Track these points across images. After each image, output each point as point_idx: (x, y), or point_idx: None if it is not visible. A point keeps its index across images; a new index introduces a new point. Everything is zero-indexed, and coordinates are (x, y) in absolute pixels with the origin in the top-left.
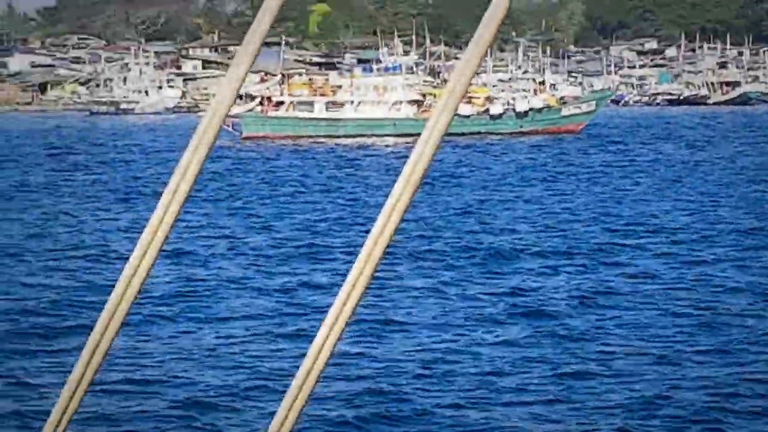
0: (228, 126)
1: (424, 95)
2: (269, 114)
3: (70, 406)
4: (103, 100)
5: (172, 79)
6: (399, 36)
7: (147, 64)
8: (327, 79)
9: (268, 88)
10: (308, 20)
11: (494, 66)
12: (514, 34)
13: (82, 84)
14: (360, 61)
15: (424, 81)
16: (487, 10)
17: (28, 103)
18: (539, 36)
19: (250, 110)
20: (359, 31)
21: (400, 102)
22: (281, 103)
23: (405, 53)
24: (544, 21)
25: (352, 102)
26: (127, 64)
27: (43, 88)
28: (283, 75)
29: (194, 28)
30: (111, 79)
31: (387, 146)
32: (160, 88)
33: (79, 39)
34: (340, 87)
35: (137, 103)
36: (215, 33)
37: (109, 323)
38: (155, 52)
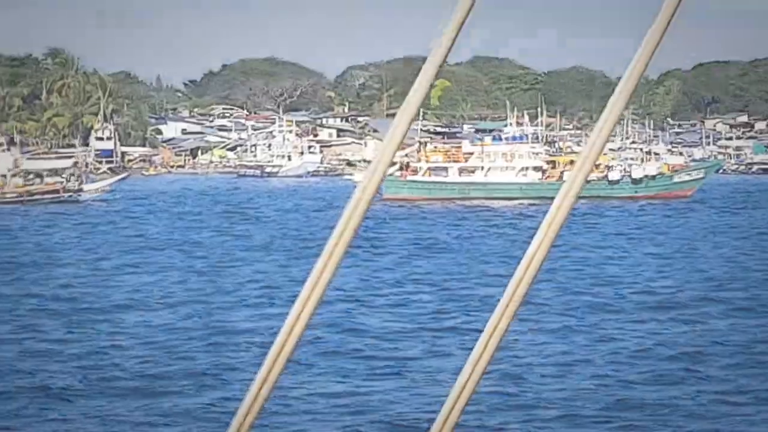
0: None
1: (547, 162)
2: (408, 178)
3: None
4: (250, 164)
5: (312, 146)
6: (512, 108)
7: (290, 131)
8: (460, 147)
9: (406, 155)
10: (430, 94)
11: None
12: None
13: (229, 149)
14: (478, 131)
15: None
16: (620, 82)
17: (181, 166)
18: (640, 109)
19: (390, 174)
20: (476, 104)
21: (526, 168)
22: (418, 168)
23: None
24: (644, 95)
25: (482, 168)
26: (272, 132)
27: (194, 152)
28: (420, 143)
29: (326, 100)
30: (256, 145)
31: (511, 207)
32: (302, 153)
33: (223, 109)
34: (471, 154)
35: (281, 166)
36: (345, 105)
37: (273, 365)
38: (295, 121)
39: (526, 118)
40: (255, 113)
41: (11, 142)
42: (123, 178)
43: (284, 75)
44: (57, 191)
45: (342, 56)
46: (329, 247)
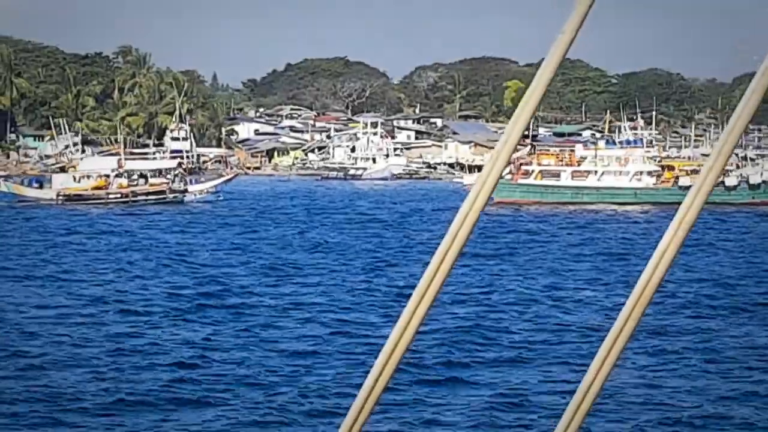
0: None
1: (662, 167)
2: (519, 181)
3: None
4: (333, 165)
5: (398, 148)
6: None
7: (374, 133)
8: (573, 151)
9: (517, 158)
10: (502, 96)
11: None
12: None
13: (304, 151)
14: (556, 134)
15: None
16: (747, 88)
17: (258, 168)
18: (717, 113)
19: (501, 177)
20: (548, 107)
21: (641, 173)
22: (530, 171)
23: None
24: (720, 99)
25: (595, 172)
26: (355, 134)
27: (270, 154)
28: (532, 146)
29: (395, 101)
30: (337, 147)
31: (626, 212)
32: (387, 156)
33: (291, 110)
34: (584, 158)
35: (364, 169)
36: (416, 106)
37: (386, 364)
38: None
39: (641, 122)
40: (323, 114)
41: (85, 142)
42: (229, 180)
43: (351, 75)
44: (163, 192)
45: (409, 56)
46: (442, 250)
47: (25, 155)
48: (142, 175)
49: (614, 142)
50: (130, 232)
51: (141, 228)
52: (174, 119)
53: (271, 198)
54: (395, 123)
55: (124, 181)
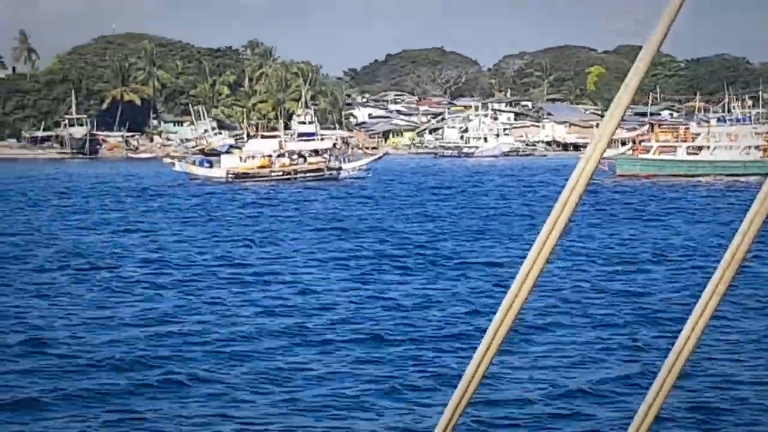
0: (603, 166)
1: None
2: (639, 156)
3: (452, 419)
4: (449, 145)
5: (507, 128)
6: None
7: (485, 115)
8: (688, 128)
9: (637, 136)
10: (585, 80)
11: None
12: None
13: (417, 132)
14: (637, 114)
15: None
16: None
17: (375, 148)
18: None
19: (623, 153)
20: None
21: (749, 147)
22: (649, 147)
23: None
24: None
25: (708, 147)
26: (468, 116)
27: (386, 135)
28: (651, 125)
29: (487, 86)
30: (453, 128)
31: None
32: (498, 135)
33: (395, 95)
34: (698, 135)
35: (477, 147)
36: (506, 91)
37: (491, 343)
38: (464, 106)
39: (749, 102)
40: (424, 99)
41: (221, 126)
42: (378, 158)
43: (447, 64)
44: (321, 170)
45: (496, 45)
46: (547, 226)
47: (167, 139)
48: (300, 155)
49: (725, 120)
50: (331, 202)
51: (329, 199)
52: (300, 105)
53: (416, 173)
54: (489, 105)
55: (286, 161)
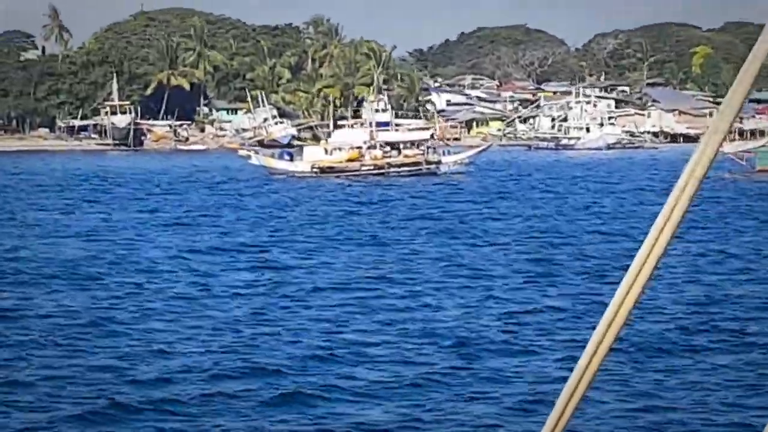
0: (741, 160)
1: None
2: None
3: (562, 417)
4: (545, 135)
5: (612, 117)
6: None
7: (587, 102)
8: None
9: None
10: (690, 62)
11: None
12: None
13: (503, 120)
14: (752, 101)
15: None
16: None
17: (457, 138)
18: None
19: (763, 146)
20: (735, 71)
21: None
22: None
23: None
24: None
25: None
26: (567, 102)
27: (468, 124)
28: None
29: (577, 69)
30: (552, 117)
31: None
32: (601, 125)
33: (473, 79)
34: None
35: (578, 139)
36: (600, 74)
37: (601, 340)
38: (553, 92)
39: None
40: (505, 84)
41: (281, 114)
42: (482, 151)
43: (531, 44)
44: (418, 163)
45: (586, 22)
46: (660, 222)
47: (220, 128)
48: (394, 147)
49: None
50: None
51: (434, 195)
52: (372, 90)
53: (520, 167)
54: (582, 91)
55: (378, 153)
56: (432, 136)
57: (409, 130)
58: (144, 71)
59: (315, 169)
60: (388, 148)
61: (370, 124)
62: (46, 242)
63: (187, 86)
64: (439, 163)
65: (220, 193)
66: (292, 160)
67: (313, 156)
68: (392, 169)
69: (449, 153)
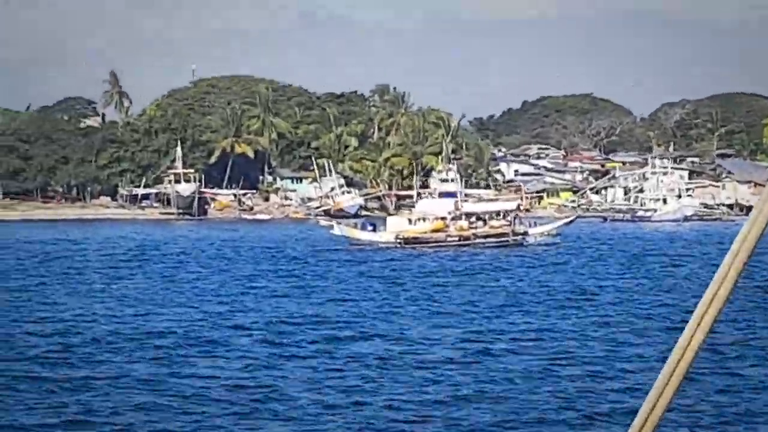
0: None
1: None
2: None
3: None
4: (620, 207)
5: (690, 188)
6: None
7: (664, 173)
8: None
9: None
10: (761, 133)
11: None
12: None
13: (579, 194)
14: None
15: None
16: None
17: (528, 209)
18: None
19: None
20: None
21: None
22: None
23: None
24: None
25: None
26: (643, 174)
27: (538, 195)
28: None
29: (644, 139)
30: (629, 189)
31: None
32: (679, 196)
33: (539, 149)
34: None
35: (654, 211)
36: (669, 144)
37: (680, 360)
38: (622, 162)
39: None
40: (571, 153)
41: (348, 183)
42: (570, 222)
43: (598, 113)
44: (505, 234)
45: (653, 91)
46: (723, 269)
47: (286, 197)
48: (479, 218)
49: None
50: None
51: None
52: (441, 160)
53: (605, 240)
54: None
55: (464, 223)
56: (518, 207)
57: (489, 200)
58: (207, 138)
59: (399, 240)
60: (473, 219)
61: (440, 194)
62: (178, 310)
63: (251, 154)
64: (525, 234)
65: (315, 267)
66: (375, 230)
67: (396, 226)
68: (478, 240)
69: (535, 224)
